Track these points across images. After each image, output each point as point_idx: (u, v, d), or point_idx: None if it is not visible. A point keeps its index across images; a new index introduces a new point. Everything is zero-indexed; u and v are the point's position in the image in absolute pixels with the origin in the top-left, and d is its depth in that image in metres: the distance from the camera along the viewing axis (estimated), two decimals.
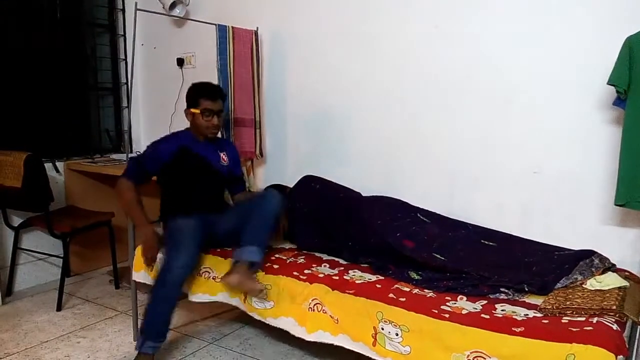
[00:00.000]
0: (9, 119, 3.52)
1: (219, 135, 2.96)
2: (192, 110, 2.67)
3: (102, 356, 2.66)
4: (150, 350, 2.40)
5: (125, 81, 4.21)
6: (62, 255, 3.27)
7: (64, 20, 3.85)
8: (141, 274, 2.73)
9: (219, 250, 2.63)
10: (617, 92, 2.19)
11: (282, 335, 2.59)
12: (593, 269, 2.17)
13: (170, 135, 2.82)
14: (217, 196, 2.81)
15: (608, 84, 2.20)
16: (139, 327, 2.47)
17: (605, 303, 1.88)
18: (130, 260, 2.77)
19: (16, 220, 3.42)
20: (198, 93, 2.68)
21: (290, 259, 2.57)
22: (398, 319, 1.95)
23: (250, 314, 2.37)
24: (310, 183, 3.00)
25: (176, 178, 2.67)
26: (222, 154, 2.82)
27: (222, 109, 2.73)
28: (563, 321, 1.83)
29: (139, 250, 2.73)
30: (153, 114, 4.18)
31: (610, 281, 2.07)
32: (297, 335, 2.22)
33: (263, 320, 2.33)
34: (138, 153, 2.89)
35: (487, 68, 2.70)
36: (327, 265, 2.50)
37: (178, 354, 2.67)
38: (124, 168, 2.66)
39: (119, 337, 2.86)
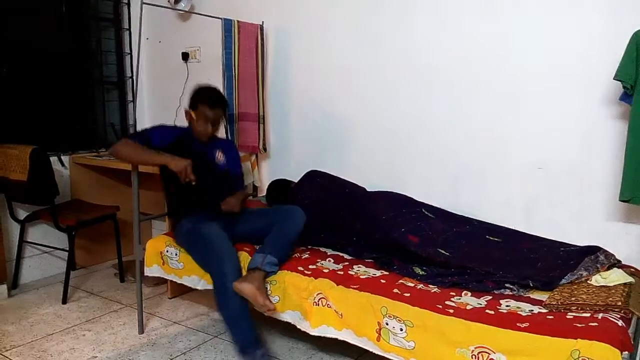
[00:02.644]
0: (14, 112, 3.53)
1: (222, 135, 2.95)
2: (190, 111, 2.67)
3: (107, 349, 2.67)
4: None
5: (130, 75, 4.21)
6: (67, 249, 3.29)
7: (69, 14, 3.85)
8: (153, 268, 2.74)
9: None
10: (624, 87, 2.18)
11: (286, 330, 2.60)
12: (598, 265, 2.17)
13: (173, 125, 2.83)
14: (219, 192, 2.72)
15: (615, 79, 2.19)
16: (237, 349, 2.34)
17: (610, 299, 1.88)
18: (136, 254, 2.78)
19: (22, 214, 3.43)
20: (199, 97, 2.67)
21: (295, 254, 2.57)
22: (402, 314, 1.95)
23: (256, 308, 2.37)
24: (315, 178, 3.00)
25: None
26: (218, 152, 2.78)
27: (220, 118, 2.70)
28: (568, 317, 1.83)
29: (149, 245, 2.74)
30: (158, 108, 4.18)
31: (615, 277, 2.06)
32: (302, 329, 2.23)
33: (270, 315, 2.34)
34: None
35: (493, 63, 2.69)
36: (332, 260, 2.50)
37: (183, 347, 2.69)
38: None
39: (124, 330, 2.87)
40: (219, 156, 2.79)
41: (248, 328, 2.34)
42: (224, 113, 2.74)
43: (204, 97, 2.66)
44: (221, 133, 3.12)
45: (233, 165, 2.87)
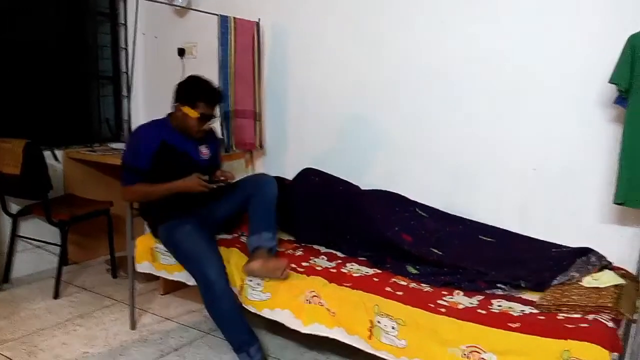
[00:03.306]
0: (8, 106, 3.51)
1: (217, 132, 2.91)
2: (186, 109, 2.47)
3: (98, 344, 2.66)
4: (258, 357, 2.37)
5: (125, 70, 4.19)
6: (60, 244, 3.27)
7: (65, 8, 3.83)
8: (144, 265, 2.74)
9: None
10: (619, 90, 2.19)
11: (278, 328, 2.60)
12: (590, 267, 2.18)
13: (148, 126, 2.59)
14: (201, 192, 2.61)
15: (609, 82, 2.20)
16: (231, 347, 2.40)
17: (601, 300, 1.89)
18: (128, 250, 2.77)
19: (14, 208, 3.42)
20: (199, 94, 2.47)
21: (289, 251, 2.57)
22: (394, 313, 1.96)
23: (246, 306, 2.37)
24: (309, 176, 3.00)
25: (158, 178, 2.47)
26: (201, 147, 2.64)
27: (215, 113, 2.59)
28: (559, 317, 1.84)
29: (139, 242, 2.73)
30: (153, 104, 4.17)
31: (606, 279, 2.08)
32: (293, 328, 2.22)
33: (258, 312, 2.33)
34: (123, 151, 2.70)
35: (489, 64, 2.69)
36: (325, 258, 2.51)
37: (175, 343, 2.68)
38: (121, 178, 2.55)
39: (115, 326, 2.87)
40: (203, 151, 2.65)
41: (240, 327, 2.34)
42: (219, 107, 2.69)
43: (205, 94, 2.49)
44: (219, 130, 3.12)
45: (215, 158, 2.78)
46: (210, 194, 2.49)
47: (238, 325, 2.34)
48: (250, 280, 2.35)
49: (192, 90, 2.51)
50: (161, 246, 2.65)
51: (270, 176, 2.63)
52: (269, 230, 2.41)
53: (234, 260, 2.45)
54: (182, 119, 2.51)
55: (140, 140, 2.54)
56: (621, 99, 2.21)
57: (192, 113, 2.47)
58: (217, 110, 2.66)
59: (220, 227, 2.68)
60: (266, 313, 2.31)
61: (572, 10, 2.45)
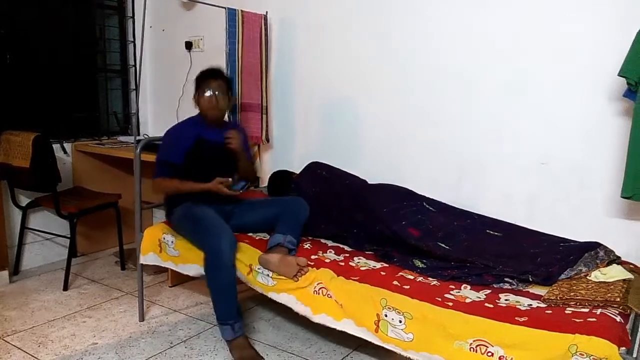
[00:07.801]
0: (18, 99, 3.53)
1: (228, 119, 2.93)
2: (196, 95, 2.66)
3: (107, 336, 2.69)
4: (240, 332, 2.42)
5: (133, 63, 4.20)
6: (68, 236, 3.30)
7: (73, 2, 3.84)
8: (149, 257, 2.75)
9: None
10: (628, 83, 2.17)
11: (286, 320, 2.62)
12: (598, 261, 2.17)
13: (184, 124, 2.76)
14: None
15: (619, 75, 2.18)
16: (217, 319, 2.43)
17: (609, 295, 1.88)
18: (137, 242, 2.79)
19: (24, 200, 3.45)
20: (198, 77, 2.69)
21: None
22: (402, 306, 1.96)
23: (253, 287, 2.39)
24: (316, 169, 3.00)
25: (193, 169, 2.62)
26: None
27: (225, 91, 2.66)
28: (566, 312, 1.83)
29: (147, 233, 2.75)
30: (161, 97, 4.18)
31: (614, 273, 2.07)
32: (302, 313, 2.22)
33: (265, 294, 2.35)
34: (146, 136, 2.82)
35: (497, 58, 2.68)
36: (333, 252, 2.51)
37: (183, 335, 2.70)
38: (153, 173, 2.64)
39: (124, 318, 2.89)
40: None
41: (232, 302, 2.39)
42: (227, 86, 2.70)
43: (203, 73, 2.68)
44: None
45: (246, 150, 2.83)
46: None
47: (231, 300, 2.38)
48: (259, 269, 2.37)
49: (197, 78, 2.70)
50: (168, 236, 2.66)
51: (305, 202, 2.69)
52: (294, 237, 2.48)
53: (241, 251, 2.45)
54: (201, 106, 2.67)
55: (176, 137, 2.68)
56: (630, 92, 2.20)
57: (199, 95, 2.64)
58: (225, 87, 2.67)
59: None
60: (273, 296, 2.33)
61: (582, 2, 2.43)
